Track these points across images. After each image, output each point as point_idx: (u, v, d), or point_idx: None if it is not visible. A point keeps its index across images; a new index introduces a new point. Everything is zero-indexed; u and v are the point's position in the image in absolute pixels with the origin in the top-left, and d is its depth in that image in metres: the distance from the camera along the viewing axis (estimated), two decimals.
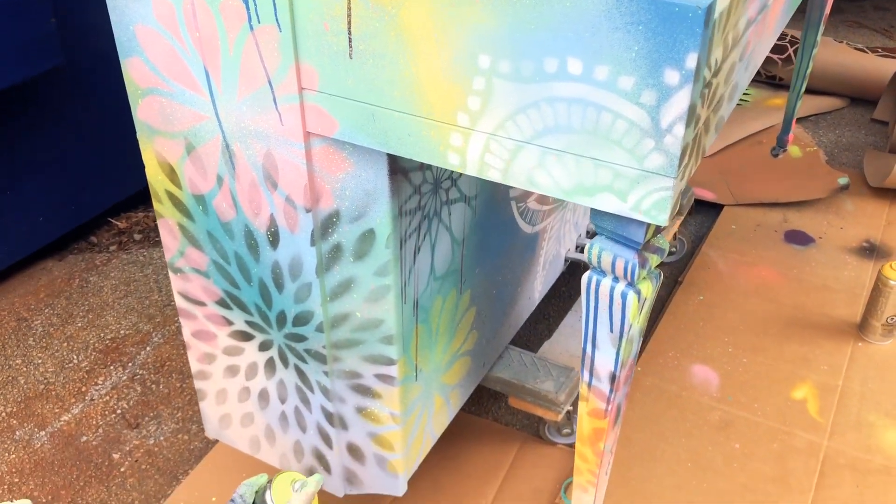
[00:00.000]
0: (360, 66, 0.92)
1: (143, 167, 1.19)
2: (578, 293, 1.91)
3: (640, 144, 0.81)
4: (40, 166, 2.17)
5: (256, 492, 1.08)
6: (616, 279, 0.93)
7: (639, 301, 0.93)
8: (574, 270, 1.90)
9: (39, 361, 2.00)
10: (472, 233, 1.34)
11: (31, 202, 2.18)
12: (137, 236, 2.43)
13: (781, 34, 3.25)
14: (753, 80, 3.15)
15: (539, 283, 1.75)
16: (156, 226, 2.44)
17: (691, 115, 0.79)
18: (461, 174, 1.23)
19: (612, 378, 1.01)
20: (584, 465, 1.11)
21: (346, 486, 1.38)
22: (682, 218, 2.20)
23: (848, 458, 1.69)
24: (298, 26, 0.94)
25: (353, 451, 1.34)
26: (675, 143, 0.79)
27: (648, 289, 0.94)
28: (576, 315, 1.87)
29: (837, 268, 2.22)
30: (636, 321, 0.95)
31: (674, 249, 2.28)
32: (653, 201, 0.83)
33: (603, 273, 0.94)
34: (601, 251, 0.92)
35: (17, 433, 1.82)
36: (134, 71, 1.11)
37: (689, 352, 1.96)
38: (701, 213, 2.47)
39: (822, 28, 2.13)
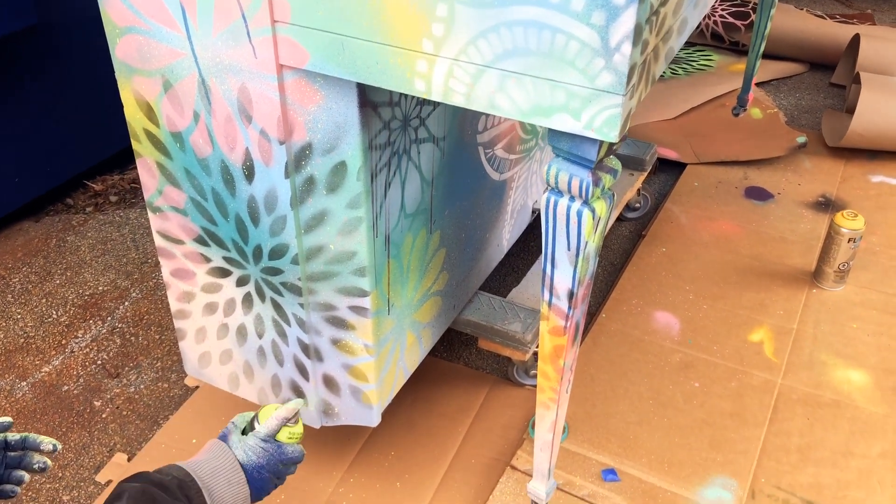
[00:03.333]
0: None
1: (119, 130, 1.23)
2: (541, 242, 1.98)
3: (591, 64, 0.87)
4: (15, 128, 2.19)
5: (246, 419, 1.15)
6: (572, 198, 1.00)
7: (593, 218, 1.00)
8: (538, 221, 1.97)
9: (18, 317, 2.03)
10: (440, 174, 1.40)
11: (6, 163, 2.20)
12: (113, 198, 2.46)
13: (744, 1, 3.33)
14: (717, 47, 3.23)
15: (507, 231, 1.81)
16: (132, 188, 2.48)
17: (638, 35, 0.85)
18: (429, 114, 1.29)
19: (571, 295, 1.07)
20: (546, 382, 1.18)
21: (323, 417, 1.44)
22: (646, 175, 2.27)
23: (800, 393, 1.78)
24: None
25: (329, 382, 1.40)
26: (623, 62, 0.85)
27: (602, 208, 1.01)
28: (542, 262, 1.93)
29: (794, 221, 2.31)
30: (591, 239, 1.02)
31: (638, 205, 2.36)
32: (604, 119, 0.89)
33: (560, 193, 1.01)
34: (558, 171, 0.98)
35: (0, 383, 1.86)
36: (112, 10, 1.15)
37: (651, 300, 2.04)
38: (665, 172, 2.55)
39: None
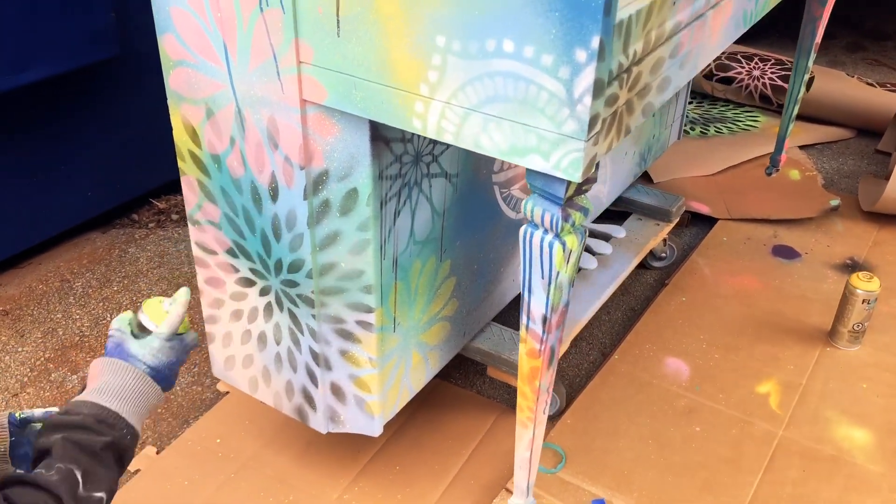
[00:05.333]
0: (345, 43, 1.12)
1: None
2: None
3: (558, 112, 0.99)
4: (92, 146, 2.41)
5: (129, 322, 1.17)
6: (546, 231, 1.11)
7: (564, 251, 1.11)
8: None
9: (77, 317, 2.23)
10: (452, 207, 1.52)
11: (82, 178, 2.43)
12: (175, 216, 2.66)
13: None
14: (765, 108, 3.30)
15: (519, 272, 1.92)
16: None
17: (599, 89, 0.97)
18: (442, 151, 1.42)
19: (545, 320, 1.18)
20: (524, 402, 1.28)
21: (329, 423, 1.57)
22: (672, 226, 2.35)
23: (800, 446, 1.83)
24: (298, 9, 1.14)
25: (336, 390, 1.53)
26: (584, 111, 0.97)
27: (573, 242, 1.12)
28: None
29: (818, 280, 2.35)
30: (563, 269, 1.13)
31: (664, 255, 2.43)
32: (569, 161, 1.01)
33: (536, 226, 1.12)
34: (534, 206, 1.10)
35: (53, 375, 2.04)
36: (168, 46, 1.33)
37: (665, 346, 2.11)
38: (697, 226, 2.63)
39: (813, 55, 2.29)
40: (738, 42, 3.71)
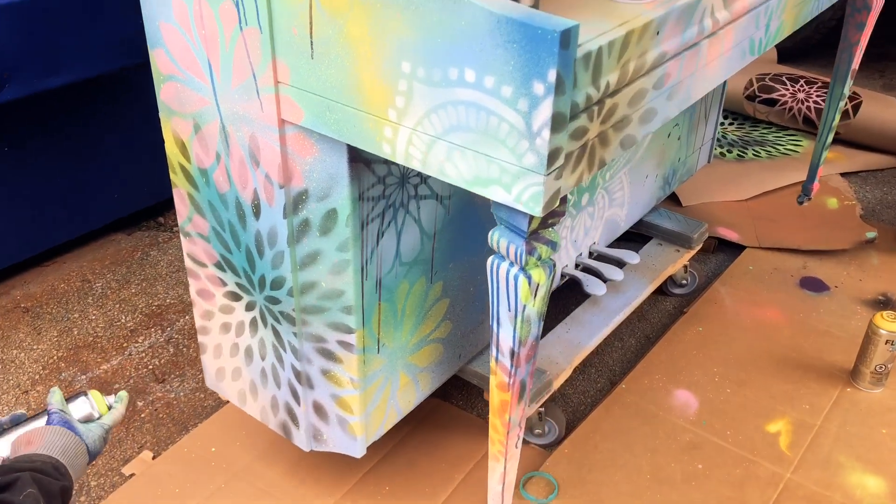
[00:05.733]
0: (319, 65, 1.11)
1: None
2: (573, 308, 2.04)
3: (518, 144, 0.96)
4: (119, 149, 2.46)
5: (65, 404, 1.21)
6: (511, 263, 1.08)
7: (529, 285, 1.08)
8: (572, 287, 2.03)
9: (93, 318, 2.27)
10: (444, 229, 1.50)
11: (108, 181, 2.48)
12: None
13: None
14: (808, 132, 3.19)
15: None
16: None
17: (559, 123, 0.94)
18: None
19: (513, 354, 1.15)
20: (495, 435, 1.25)
21: (313, 442, 1.56)
22: (693, 253, 2.29)
23: (807, 491, 1.75)
24: (275, 30, 1.14)
25: (318, 409, 1.52)
26: (543, 145, 0.94)
27: (540, 276, 1.08)
28: (565, 327, 1.99)
29: (845, 317, 2.25)
30: (529, 303, 1.09)
31: (684, 282, 2.37)
32: (530, 195, 0.98)
33: (502, 258, 1.09)
34: (499, 237, 1.07)
35: (63, 374, 2.08)
36: (158, 60, 1.34)
37: (675, 377, 2.05)
38: (723, 252, 2.55)
39: (849, 82, 2.20)
40: (784, 63, 3.60)
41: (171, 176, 1.46)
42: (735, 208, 2.70)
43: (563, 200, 1.05)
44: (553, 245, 1.08)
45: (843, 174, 2.96)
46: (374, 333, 1.44)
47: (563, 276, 2.01)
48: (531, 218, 1.02)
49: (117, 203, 2.55)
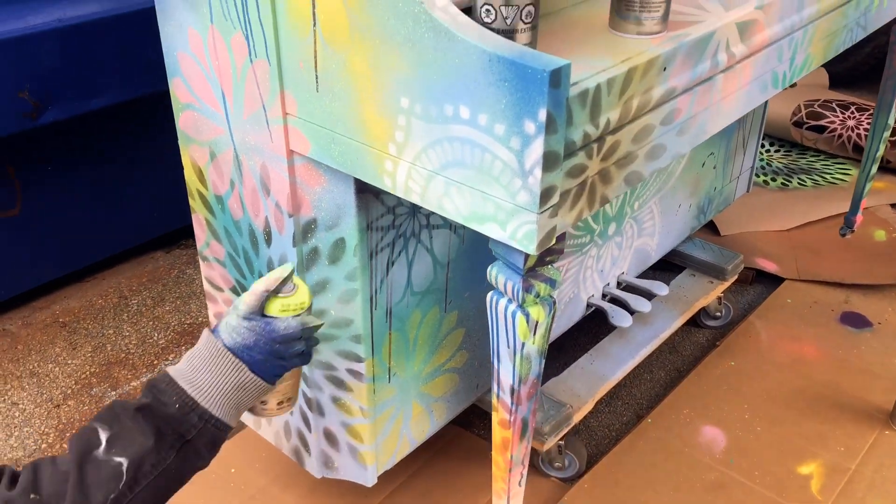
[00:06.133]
0: (324, 98, 1.12)
1: None
2: (599, 338, 2.00)
3: (511, 182, 0.95)
4: (157, 169, 2.52)
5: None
6: (510, 300, 1.07)
7: (527, 322, 1.06)
8: (599, 317, 1.99)
9: (127, 334, 2.32)
10: (459, 258, 1.49)
11: (147, 199, 2.54)
12: None
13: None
14: (858, 161, 3.09)
15: None
16: None
17: (551, 161, 0.92)
18: None
19: (513, 391, 1.13)
20: (497, 472, 1.23)
21: (323, 469, 1.56)
22: (727, 284, 2.23)
23: None
24: (283, 62, 1.15)
25: (329, 436, 1.51)
26: (535, 184, 0.93)
27: (540, 313, 1.06)
28: (589, 358, 1.96)
29: (887, 355, 2.17)
30: (528, 341, 1.08)
31: (718, 314, 2.31)
32: (524, 233, 0.97)
33: (501, 294, 1.08)
34: (497, 273, 1.06)
35: (94, 390, 2.13)
36: (177, 89, 1.36)
37: (704, 412, 1.99)
38: (761, 284, 2.48)
39: (893, 111, 2.13)
40: (834, 89, 3.51)
41: (190, 201, 1.48)
42: (776, 239, 2.63)
43: (562, 238, 1.03)
44: (552, 283, 1.06)
45: (893, 205, 2.86)
46: (385, 363, 1.44)
47: (588, 306, 1.98)
48: (527, 255, 1.01)
49: (156, 221, 2.61)
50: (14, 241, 2.31)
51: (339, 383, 1.44)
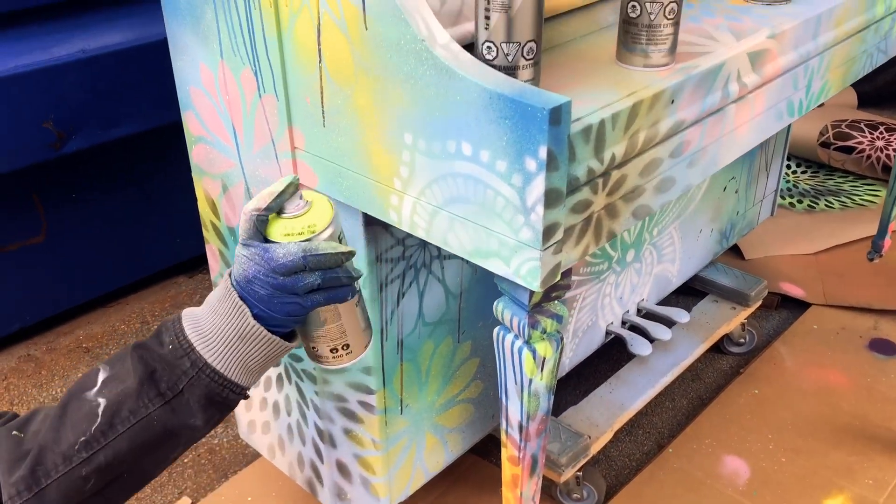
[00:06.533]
0: (330, 133, 1.12)
1: None
2: (618, 367, 1.98)
3: (514, 219, 0.94)
4: (181, 194, 2.54)
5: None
6: (516, 336, 1.05)
7: (534, 359, 1.04)
8: (618, 345, 1.97)
9: None
10: (472, 287, 1.48)
11: (171, 224, 2.56)
12: None
13: None
14: (888, 182, 3.03)
15: (568, 350, 1.84)
16: None
17: (553, 198, 0.91)
18: None
19: (521, 428, 1.11)
20: None
21: (337, 500, 1.55)
22: (751, 311, 2.19)
23: None
24: (291, 98, 1.15)
25: (342, 468, 1.51)
26: (538, 221, 0.92)
27: (547, 350, 1.05)
28: (608, 387, 1.93)
29: None
30: (536, 377, 1.06)
31: (742, 340, 2.27)
32: (527, 269, 0.95)
33: (507, 329, 1.06)
34: (503, 308, 1.05)
35: None
36: (190, 122, 1.38)
37: (727, 442, 1.95)
38: (787, 309, 2.43)
39: None
40: (863, 109, 3.45)
41: (204, 232, 1.49)
42: (801, 262, 2.59)
43: (568, 273, 1.02)
44: (559, 318, 1.04)
45: None
46: (397, 394, 1.43)
47: (608, 333, 1.96)
48: (532, 292, 0.99)
49: (179, 247, 2.63)
50: (39, 267, 2.34)
51: (350, 415, 1.43)
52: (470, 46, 1.01)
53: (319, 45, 1.06)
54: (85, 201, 2.36)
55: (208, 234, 1.49)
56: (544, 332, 1.04)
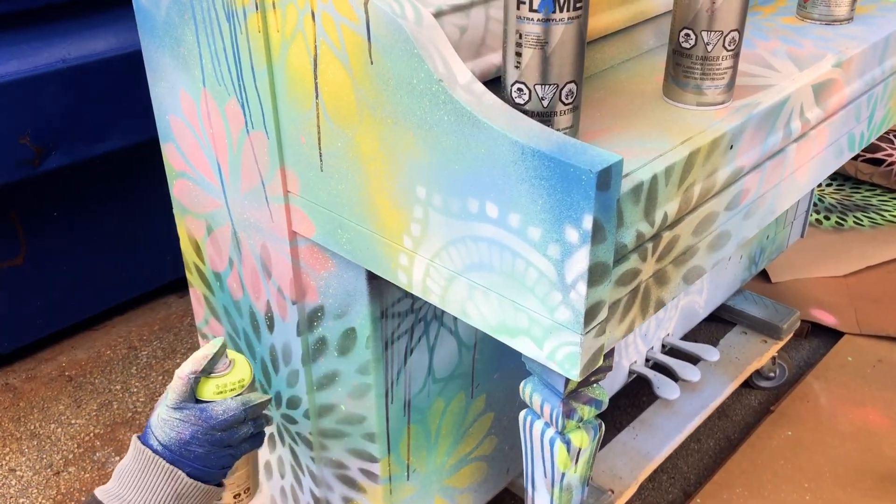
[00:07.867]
0: (329, 179, 0.96)
1: None
2: (641, 409, 1.82)
3: (549, 295, 0.78)
4: (170, 211, 2.38)
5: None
6: (547, 424, 0.90)
7: (569, 451, 0.89)
8: (641, 384, 1.82)
9: (135, 390, 2.18)
10: (487, 338, 1.32)
11: (160, 242, 2.40)
12: None
13: None
14: None
15: None
16: None
17: (599, 274, 0.75)
18: None
19: None
20: None
21: None
22: (782, 344, 2.04)
23: None
24: (283, 136, 0.99)
25: None
26: (579, 300, 0.76)
27: (584, 440, 0.89)
28: (632, 432, 1.78)
29: None
30: (569, 470, 0.91)
31: (772, 374, 2.11)
32: (564, 354, 0.80)
33: (537, 415, 0.91)
34: (532, 391, 0.89)
35: (97, 454, 1.99)
36: (170, 155, 1.22)
37: (759, 492, 1.80)
38: (818, 338, 2.28)
39: None
40: None
41: (188, 275, 1.34)
42: (832, 286, 2.42)
43: (610, 354, 0.86)
44: (598, 404, 0.89)
45: None
46: (403, 459, 1.27)
47: (630, 373, 1.80)
48: (567, 379, 0.84)
49: (169, 266, 2.47)
50: (19, 291, 2.18)
51: (350, 483, 1.28)
52: (496, 80, 0.85)
53: (316, 78, 0.90)
54: (67, 220, 2.20)
55: (192, 278, 1.33)
56: (580, 420, 0.88)
